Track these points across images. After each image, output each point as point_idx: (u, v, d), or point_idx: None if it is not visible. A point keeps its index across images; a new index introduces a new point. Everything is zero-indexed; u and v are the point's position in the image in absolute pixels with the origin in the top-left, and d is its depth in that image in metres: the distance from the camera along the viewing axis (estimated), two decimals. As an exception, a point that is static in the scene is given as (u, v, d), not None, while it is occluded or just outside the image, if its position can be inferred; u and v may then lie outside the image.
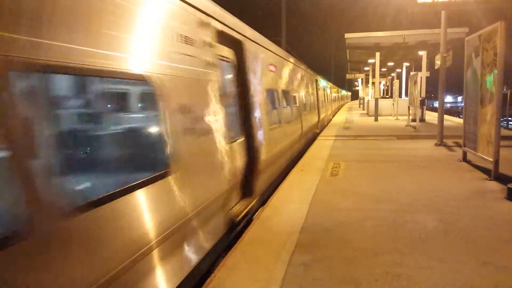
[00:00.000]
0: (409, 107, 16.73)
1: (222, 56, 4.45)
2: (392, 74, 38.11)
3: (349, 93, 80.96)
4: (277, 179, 7.04)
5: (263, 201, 5.86)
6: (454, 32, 15.91)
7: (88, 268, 2.09)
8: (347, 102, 64.63)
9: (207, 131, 3.78)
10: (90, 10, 2.27)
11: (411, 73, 17.72)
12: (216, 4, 4.28)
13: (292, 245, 3.89)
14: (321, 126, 17.22)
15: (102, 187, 2.39)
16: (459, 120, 18.36)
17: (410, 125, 15.94)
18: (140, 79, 2.73)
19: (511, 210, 4.84)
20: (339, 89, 45.98)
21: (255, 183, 5.22)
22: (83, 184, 2.47)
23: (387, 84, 44.50)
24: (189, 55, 3.47)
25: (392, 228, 4.31)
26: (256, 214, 5.16)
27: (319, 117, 16.04)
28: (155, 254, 2.70)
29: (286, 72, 9.13)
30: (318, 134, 14.54)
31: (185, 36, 3.40)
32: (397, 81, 24.39)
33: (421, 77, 17.71)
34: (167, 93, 3.01)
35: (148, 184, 2.65)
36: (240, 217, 4.53)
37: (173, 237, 2.93)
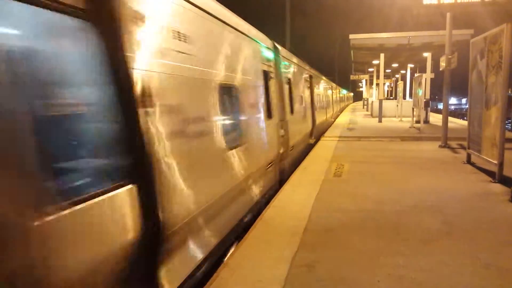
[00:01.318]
0: (413, 109, 16.68)
1: None
2: (397, 76, 38.01)
3: (351, 94, 74.20)
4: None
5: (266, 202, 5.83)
6: (459, 34, 15.80)
7: None
8: (348, 105, 55.41)
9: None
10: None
11: (416, 75, 17.68)
12: None
13: (295, 245, 3.89)
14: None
15: None
16: (463, 122, 18.29)
17: (414, 127, 15.88)
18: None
19: (515, 213, 4.82)
20: (336, 86, 30.75)
21: None
22: None
23: (391, 86, 44.38)
24: None
25: (395, 230, 4.30)
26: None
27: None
28: None
29: None
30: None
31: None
32: (402, 82, 24.30)
33: (425, 79, 17.67)
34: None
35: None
36: None
37: None
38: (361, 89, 57.23)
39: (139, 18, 2.71)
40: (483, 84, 7.01)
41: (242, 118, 5.09)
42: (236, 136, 4.75)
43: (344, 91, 46.92)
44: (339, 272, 3.34)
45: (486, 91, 6.88)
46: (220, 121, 4.17)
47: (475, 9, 9.85)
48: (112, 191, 2.30)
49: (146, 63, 2.76)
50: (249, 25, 5.86)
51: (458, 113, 36.94)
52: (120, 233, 2.37)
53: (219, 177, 4.09)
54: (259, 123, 5.99)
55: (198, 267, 3.35)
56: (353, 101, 77.21)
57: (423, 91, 14.90)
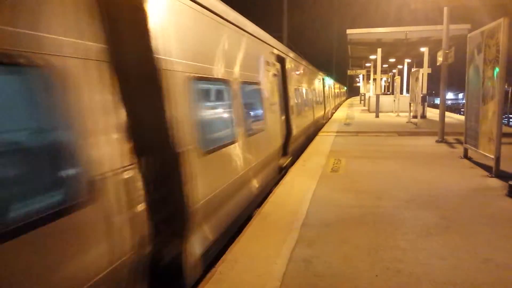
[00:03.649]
0: (410, 104, 16.71)
1: None
2: (394, 71, 38.02)
3: (344, 88, 60.75)
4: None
5: (263, 198, 5.88)
6: (456, 28, 15.79)
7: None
8: (341, 103, 46.12)
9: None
10: None
11: (413, 70, 17.67)
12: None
13: (293, 241, 3.90)
14: None
15: None
16: (460, 117, 18.35)
17: (411, 122, 15.92)
18: None
19: (512, 207, 4.84)
20: (317, 72, 18.25)
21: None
22: None
23: (388, 81, 44.41)
24: None
25: (393, 225, 4.31)
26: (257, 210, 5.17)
27: None
28: None
29: None
30: None
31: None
32: (399, 77, 24.33)
33: (422, 74, 17.68)
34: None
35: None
36: None
37: None
38: (358, 84, 57.14)
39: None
40: (480, 78, 7.02)
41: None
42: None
43: (329, 79, 27.09)
44: (337, 266, 3.34)
45: (483, 86, 6.89)
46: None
47: (472, 4, 9.84)
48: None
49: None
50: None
51: (455, 108, 36.99)
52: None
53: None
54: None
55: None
56: (348, 97, 69.76)
57: (420, 86, 14.94)
